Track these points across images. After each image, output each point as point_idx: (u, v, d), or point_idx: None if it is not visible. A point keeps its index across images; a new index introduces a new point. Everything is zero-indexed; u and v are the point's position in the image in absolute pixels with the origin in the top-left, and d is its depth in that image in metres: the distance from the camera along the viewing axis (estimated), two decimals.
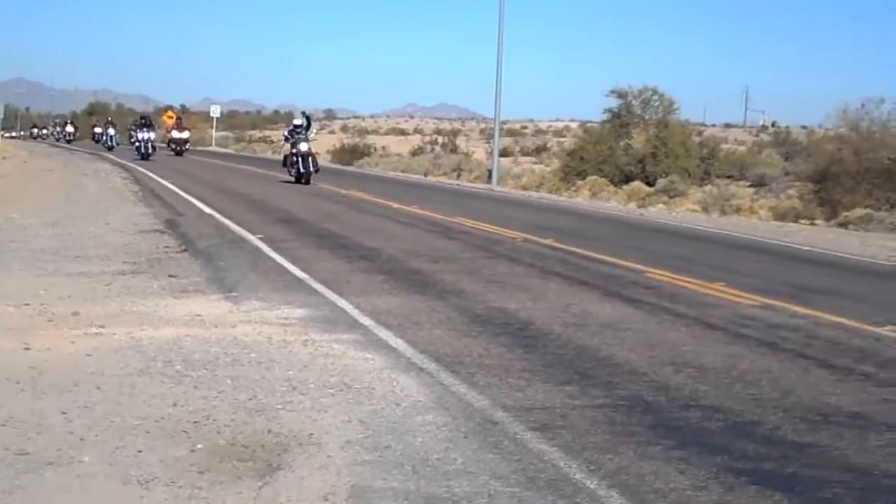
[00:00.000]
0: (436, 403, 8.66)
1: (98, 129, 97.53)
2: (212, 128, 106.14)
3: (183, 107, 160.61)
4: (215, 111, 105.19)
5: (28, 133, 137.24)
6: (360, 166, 67.71)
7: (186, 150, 71.19)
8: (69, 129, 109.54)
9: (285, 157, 41.55)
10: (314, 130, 42.79)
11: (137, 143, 61.60)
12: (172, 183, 36.60)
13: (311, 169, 39.76)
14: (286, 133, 41.50)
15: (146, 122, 63.67)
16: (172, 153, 68.60)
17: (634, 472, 7.09)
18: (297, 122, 41.37)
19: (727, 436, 8.06)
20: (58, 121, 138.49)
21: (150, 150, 59.87)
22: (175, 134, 71.76)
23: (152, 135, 61.69)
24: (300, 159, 39.66)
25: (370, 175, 56.28)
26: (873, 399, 9.41)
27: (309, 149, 39.97)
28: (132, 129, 75.36)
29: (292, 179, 39.74)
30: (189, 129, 78.55)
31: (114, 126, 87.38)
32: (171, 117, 79.23)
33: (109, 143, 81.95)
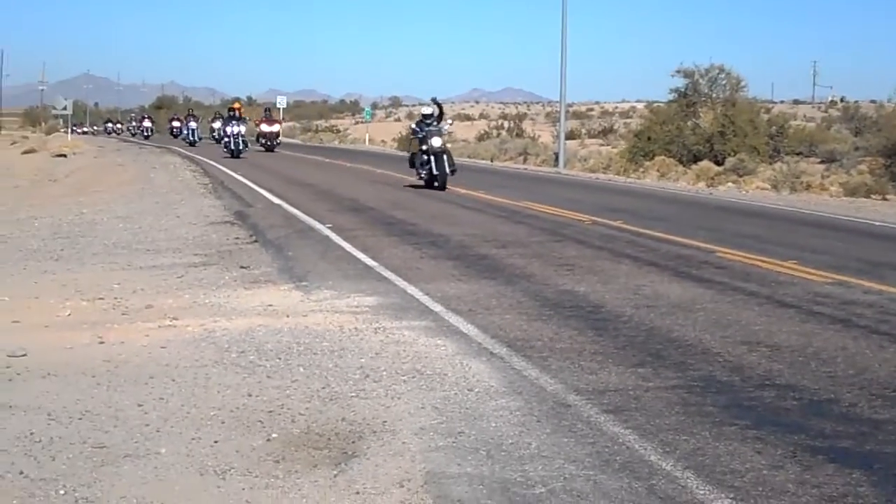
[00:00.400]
0: (508, 388, 8.66)
1: (176, 123, 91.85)
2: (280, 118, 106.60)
3: (249, 98, 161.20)
4: (281, 102, 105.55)
5: (102, 128, 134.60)
6: None
7: (278, 144, 62.44)
8: (146, 123, 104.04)
9: (412, 154, 32.80)
10: (449, 121, 34.28)
11: (227, 139, 53.08)
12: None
13: (447, 170, 30.89)
14: (414, 126, 32.66)
15: (235, 115, 54.28)
16: (262, 149, 60.00)
17: (710, 452, 7.05)
18: (427, 110, 32.39)
19: (803, 414, 7.99)
20: (134, 115, 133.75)
21: (241, 147, 52.28)
22: (265, 127, 61.91)
23: (243, 128, 53.76)
24: (433, 158, 30.96)
25: None
26: None
27: (443, 144, 31.38)
28: (216, 122, 71.59)
29: (422, 183, 31.49)
30: (280, 122, 71.47)
31: (195, 118, 79.42)
32: (238, 108, 76.69)
33: (191, 138, 74.23)
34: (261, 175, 37.35)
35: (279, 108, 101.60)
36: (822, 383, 8.90)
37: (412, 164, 32.28)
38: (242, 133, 53.17)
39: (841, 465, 6.82)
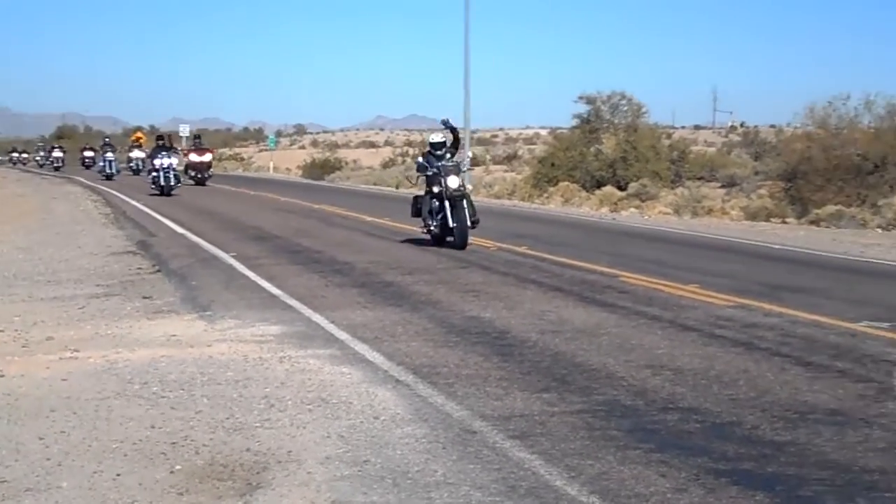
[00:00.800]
0: (414, 415, 8.65)
1: (89, 153, 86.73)
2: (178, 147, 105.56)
3: (152, 127, 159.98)
4: (184, 130, 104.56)
5: (7, 158, 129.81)
6: (332, 180, 67.68)
7: (209, 177, 56.27)
8: (56, 153, 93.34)
9: (416, 199, 23.75)
10: (469, 155, 26.73)
11: (155, 174, 45.18)
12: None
13: (468, 221, 22.23)
14: (420, 159, 23.90)
15: (165, 145, 46.95)
16: (192, 183, 53.82)
17: (615, 477, 7.09)
18: (437, 138, 23.85)
19: (706, 437, 8.06)
20: (42, 144, 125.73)
21: (172, 182, 44.83)
22: (194, 157, 55.56)
23: (174, 160, 46.20)
24: (447, 204, 22.35)
25: (342, 189, 56.22)
26: (850, 395, 9.42)
27: (462, 185, 22.82)
28: (133, 151, 66.51)
29: (428, 237, 23.01)
30: (211, 151, 62.96)
31: (112, 148, 69.49)
32: (139, 138, 73.53)
33: (108, 170, 65.33)
34: (163, 204, 37.10)
35: (182, 137, 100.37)
36: (724, 406, 8.99)
37: (417, 213, 23.43)
38: (174, 166, 45.66)
39: (744, 487, 6.88)
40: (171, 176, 44.80)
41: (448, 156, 22.97)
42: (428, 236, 22.89)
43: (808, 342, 11.86)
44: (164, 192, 43.98)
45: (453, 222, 22.10)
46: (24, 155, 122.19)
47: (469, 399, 9.20)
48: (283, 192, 46.74)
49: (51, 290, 16.03)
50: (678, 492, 6.79)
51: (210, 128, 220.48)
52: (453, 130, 23.75)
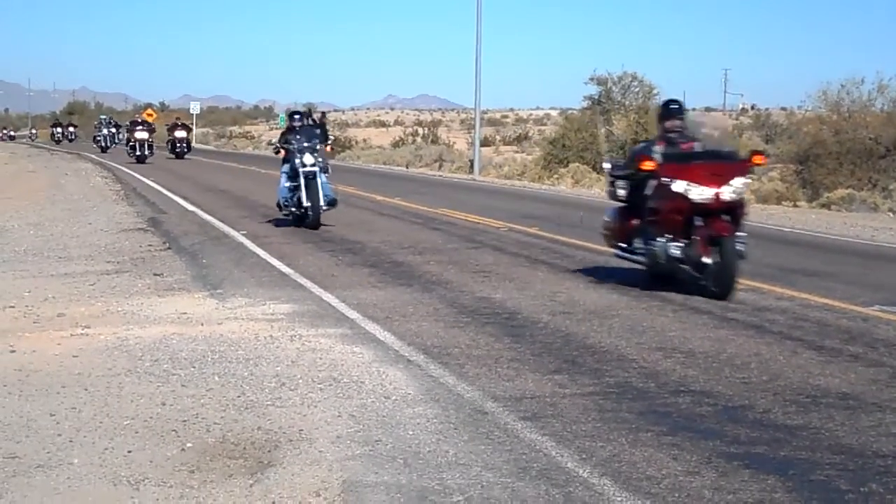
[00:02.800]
0: (425, 396, 8.64)
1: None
2: (192, 125, 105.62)
3: (162, 104, 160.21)
4: (195, 108, 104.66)
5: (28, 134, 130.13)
6: (342, 160, 67.55)
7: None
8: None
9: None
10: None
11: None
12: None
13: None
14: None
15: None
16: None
17: (626, 459, 7.07)
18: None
19: (718, 420, 8.04)
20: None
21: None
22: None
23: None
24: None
25: (352, 168, 56.12)
26: (862, 380, 9.40)
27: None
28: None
29: (290, 219, 22.31)
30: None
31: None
32: (150, 115, 74.17)
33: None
34: (174, 181, 37.10)
35: (193, 115, 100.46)
36: (736, 389, 8.97)
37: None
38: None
39: (756, 470, 6.87)
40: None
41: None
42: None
43: (820, 326, 11.83)
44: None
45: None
46: (36, 131, 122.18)
47: (480, 379, 9.19)
48: None
49: (61, 266, 16.03)
50: (690, 475, 6.77)
51: (220, 105, 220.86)
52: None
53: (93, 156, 63.11)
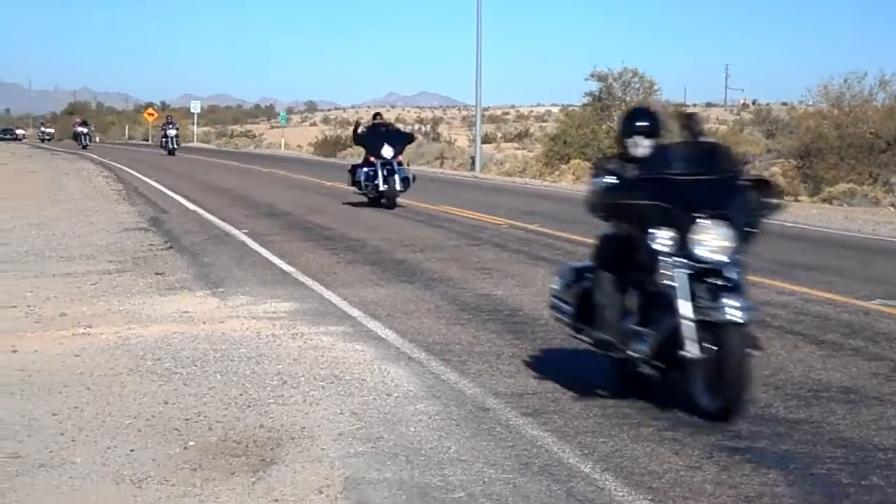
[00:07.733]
0: (427, 392, 8.65)
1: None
2: (193, 124, 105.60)
3: (163, 103, 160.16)
4: (196, 107, 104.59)
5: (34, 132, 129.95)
6: (343, 157, 67.47)
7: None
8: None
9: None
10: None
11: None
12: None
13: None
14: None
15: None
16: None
17: (628, 454, 7.08)
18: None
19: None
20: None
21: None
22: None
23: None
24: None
25: None
26: (863, 374, 9.41)
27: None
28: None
29: (366, 200, 26.50)
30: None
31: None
32: (151, 114, 74.12)
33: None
34: (175, 180, 37.08)
35: (194, 114, 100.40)
36: None
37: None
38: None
39: (757, 465, 6.88)
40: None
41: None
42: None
43: (822, 320, 11.84)
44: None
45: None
46: (51, 129, 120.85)
47: (482, 376, 9.20)
48: (294, 170, 46.74)
49: (63, 266, 16.04)
50: (692, 469, 6.78)
51: (221, 104, 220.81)
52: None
53: (93, 155, 63.02)
